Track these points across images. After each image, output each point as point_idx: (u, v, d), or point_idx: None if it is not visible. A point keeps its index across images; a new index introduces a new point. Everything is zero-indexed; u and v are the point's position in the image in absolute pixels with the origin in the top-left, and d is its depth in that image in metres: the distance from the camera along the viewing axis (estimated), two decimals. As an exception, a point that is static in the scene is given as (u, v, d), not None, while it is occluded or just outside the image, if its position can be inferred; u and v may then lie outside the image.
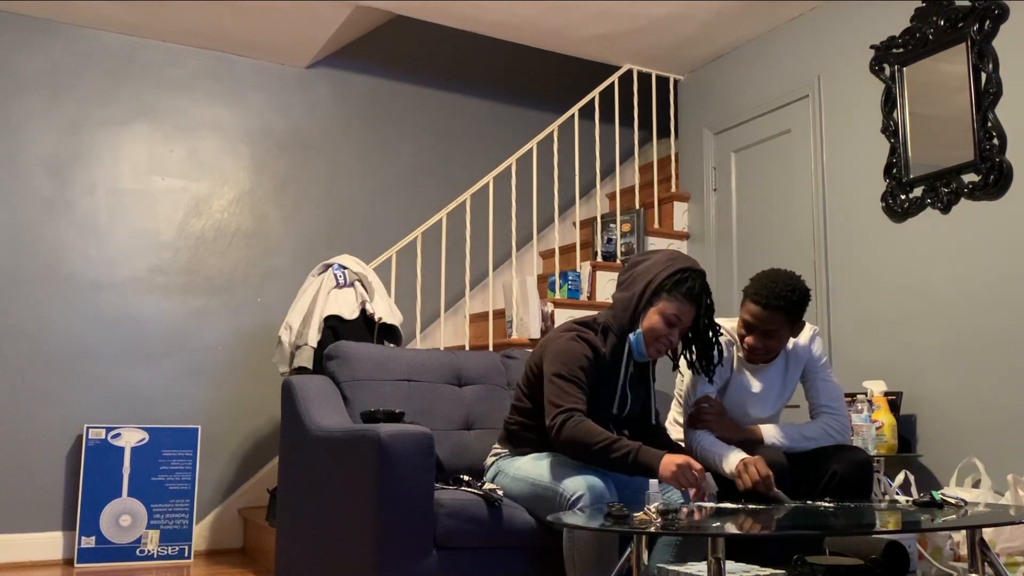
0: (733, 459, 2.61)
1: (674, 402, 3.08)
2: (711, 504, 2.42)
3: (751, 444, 2.76)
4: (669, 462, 2.38)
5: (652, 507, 2.01)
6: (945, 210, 3.72)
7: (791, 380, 2.93)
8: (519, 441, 2.76)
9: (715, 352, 2.75)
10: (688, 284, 2.61)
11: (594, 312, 3.61)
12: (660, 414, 2.91)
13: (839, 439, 2.83)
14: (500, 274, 5.54)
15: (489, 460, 2.85)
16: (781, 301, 2.69)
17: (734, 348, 2.89)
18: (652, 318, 2.63)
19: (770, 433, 2.80)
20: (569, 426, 2.47)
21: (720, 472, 2.65)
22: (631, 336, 2.66)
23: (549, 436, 2.55)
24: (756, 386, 2.89)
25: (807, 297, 2.74)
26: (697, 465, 2.38)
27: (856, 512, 2.24)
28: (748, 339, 2.77)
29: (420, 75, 5.50)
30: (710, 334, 2.72)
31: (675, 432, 3.02)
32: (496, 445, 2.85)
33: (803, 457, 2.78)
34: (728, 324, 2.93)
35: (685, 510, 2.23)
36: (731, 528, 1.96)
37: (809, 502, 2.52)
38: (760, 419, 2.89)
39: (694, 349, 2.75)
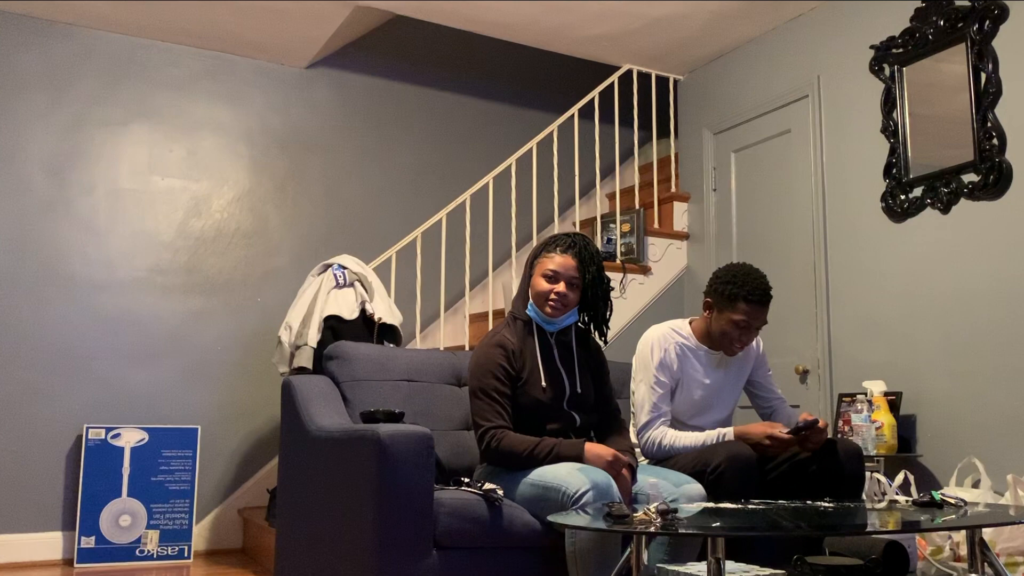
0: (727, 432, 2.78)
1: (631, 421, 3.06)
2: (704, 503, 2.42)
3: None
4: (596, 456, 2.51)
5: (652, 507, 2.01)
6: (945, 210, 3.72)
7: (743, 376, 3.04)
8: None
9: (606, 306, 2.79)
10: (558, 240, 2.73)
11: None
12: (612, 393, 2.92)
13: None
14: (500, 274, 5.54)
15: (477, 472, 2.84)
16: (770, 296, 2.86)
17: (686, 346, 2.94)
18: (535, 282, 2.73)
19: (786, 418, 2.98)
20: (493, 444, 2.60)
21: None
22: (528, 310, 2.75)
23: (482, 455, 2.66)
24: (712, 380, 2.96)
25: None
26: (624, 458, 2.51)
27: (856, 512, 2.24)
28: (745, 337, 2.86)
29: (420, 75, 5.50)
30: (600, 288, 2.76)
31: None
32: (479, 464, 2.85)
33: (795, 451, 2.83)
34: (678, 323, 2.99)
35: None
36: (731, 528, 1.95)
37: (809, 502, 2.52)
38: (720, 416, 2.98)
39: (592, 306, 2.79)
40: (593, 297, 2.77)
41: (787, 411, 3.03)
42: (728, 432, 2.79)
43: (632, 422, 2.99)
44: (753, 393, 3.09)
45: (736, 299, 2.82)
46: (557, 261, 2.70)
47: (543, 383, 2.69)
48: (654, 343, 2.92)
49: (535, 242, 5.10)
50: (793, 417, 2.95)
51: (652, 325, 3.02)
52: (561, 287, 2.69)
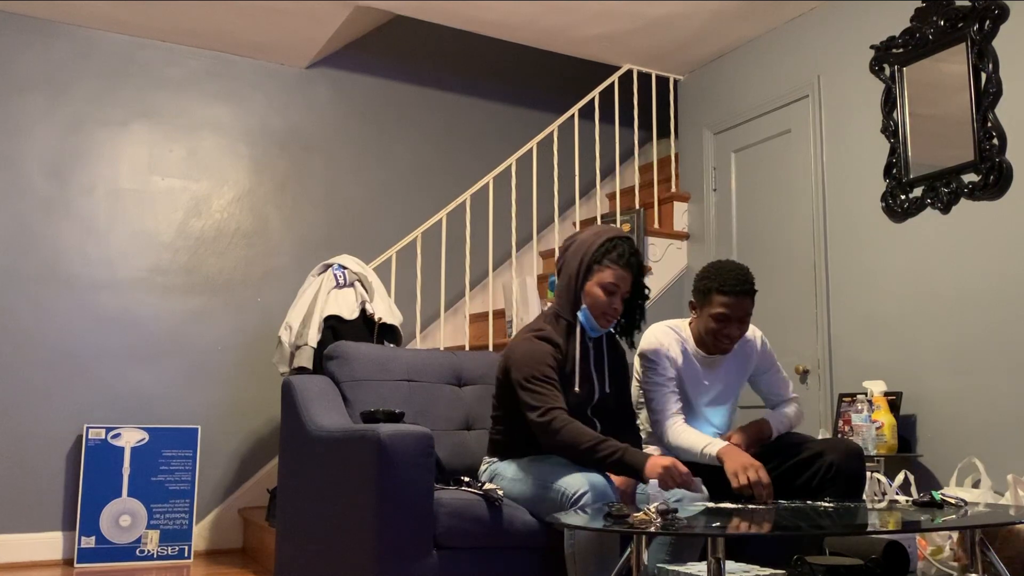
0: (715, 445, 2.67)
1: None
2: (709, 504, 2.42)
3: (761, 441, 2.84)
4: (655, 463, 2.40)
5: (652, 507, 2.01)
6: (945, 210, 3.72)
7: (743, 375, 3.01)
8: (505, 449, 2.77)
9: (638, 316, 2.85)
10: (618, 251, 2.70)
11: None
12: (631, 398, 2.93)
13: (800, 423, 3.01)
14: (500, 274, 5.55)
15: (482, 468, 2.85)
16: (748, 286, 2.80)
17: (686, 346, 2.92)
18: (592, 291, 2.70)
19: (773, 423, 2.90)
20: (555, 427, 2.51)
21: (697, 459, 2.69)
22: (579, 314, 2.73)
23: (539, 439, 2.58)
24: (711, 382, 2.94)
25: None
26: (683, 467, 2.40)
27: (856, 512, 2.24)
28: (726, 330, 2.82)
29: (420, 75, 5.50)
30: (639, 298, 2.82)
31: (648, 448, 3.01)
32: (486, 456, 2.86)
33: (796, 450, 2.82)
34: (678, 323, 2.97)
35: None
36: (731, 528, 1.96)
37: (809, 502, 2.52)
38: (718, 421, 2.97)
39: (624, 314, 2.84)
40: (632, 306, 2.82)
41: (777, 416, 2.96)
42: (714, 446, 2.69)
43: (638, 419, 3.00)
44: (759, 392, 3.07)
45: (710, 292, 2.81)
46: (619, 275, 2.69)
47: (576, 388, 2.68)
48: (653, 339, 2.91)
49: (535, 242, 5.10)
50: (780, 421, 2.93)
51: (652, 324, 3.02)
52: (618, 302, 2.71)
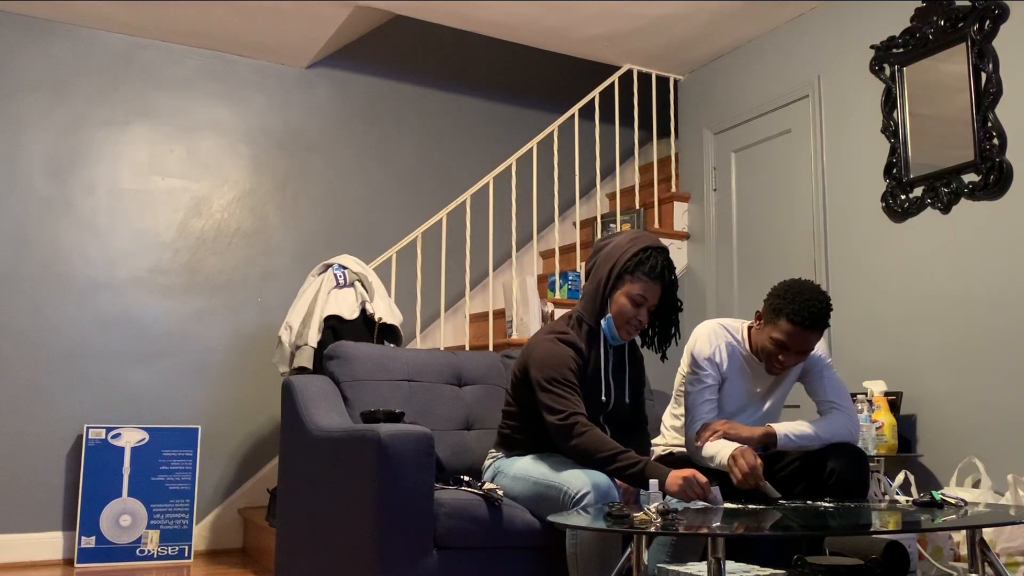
0: (725, 452, 2.61)
1: (671, 404, 3.06)
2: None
3: (766, 445, 2.75)
4: (676, 476, 2.38)
5: (652, 507, 2.01)
6: (945, 210, 3.72)
7: (791, 379, 2.93)
8: (513, 444, 2.77)
9: (674, 329, 2.82)
10: (651, 263, 2.67)
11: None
12: (645, 405, 2.93)
13: (850, 437, 2.77)
14: (500, 274, 5.54)
15: (487, 463, 2.85)
16: (821, 322, 2.64)
17: (737, 349, 2.85)
18: (620, 301, 2.68)
19: (783, 431, 2.72)
20: (576, 432, 2.50)
21: (718, 466, 2.65)
22: (603, 321, 2.72)
23: (556, 443, 2.58)
24: (759, 388, 2.88)
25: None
26: (702, 478, 2.37)
27: (856, 512, 2.24)
28: (781, 356, 2.70)
29: (420, 75, 5.50)
30: (672, 311, 2.80)
31: (668, 436, 3.00)
32: (492, 449, 2.87)
33: (799, 455, 2.77)
34: (734, 324, 2.91)
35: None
36: (731, 528, 1.96)
37: (809, 502, 2.52)
38: (760, 419, 2.89)
39: (657, 326, 2.82)
40: (666, 320, 2.80)
41: (793, 428, 2.75)
42: (726, 454, 2.63)
43: (673, 411, 2.99)
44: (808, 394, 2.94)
45: (779, 314, 2.66)
46: (648, 288, 2.66)
47: (592, 394, 2.68)
48: (702, 338, 2.83)
49: (535, 242, 5.10)
50: (791, 436, 2.74)
51: (705, 320, 2.96)
52: (644, 314, 2.69)
